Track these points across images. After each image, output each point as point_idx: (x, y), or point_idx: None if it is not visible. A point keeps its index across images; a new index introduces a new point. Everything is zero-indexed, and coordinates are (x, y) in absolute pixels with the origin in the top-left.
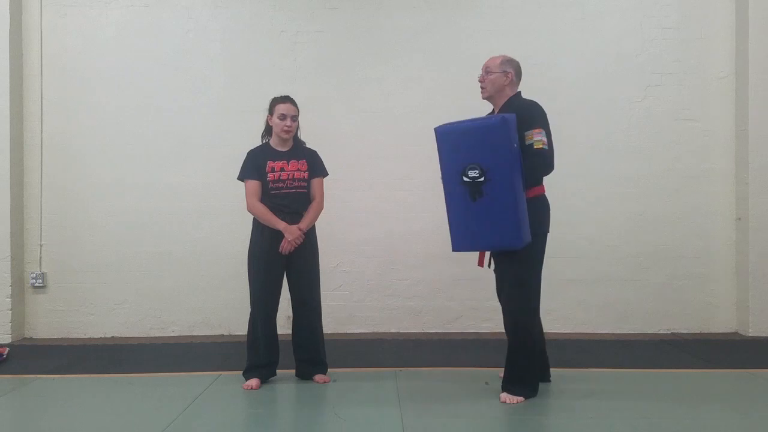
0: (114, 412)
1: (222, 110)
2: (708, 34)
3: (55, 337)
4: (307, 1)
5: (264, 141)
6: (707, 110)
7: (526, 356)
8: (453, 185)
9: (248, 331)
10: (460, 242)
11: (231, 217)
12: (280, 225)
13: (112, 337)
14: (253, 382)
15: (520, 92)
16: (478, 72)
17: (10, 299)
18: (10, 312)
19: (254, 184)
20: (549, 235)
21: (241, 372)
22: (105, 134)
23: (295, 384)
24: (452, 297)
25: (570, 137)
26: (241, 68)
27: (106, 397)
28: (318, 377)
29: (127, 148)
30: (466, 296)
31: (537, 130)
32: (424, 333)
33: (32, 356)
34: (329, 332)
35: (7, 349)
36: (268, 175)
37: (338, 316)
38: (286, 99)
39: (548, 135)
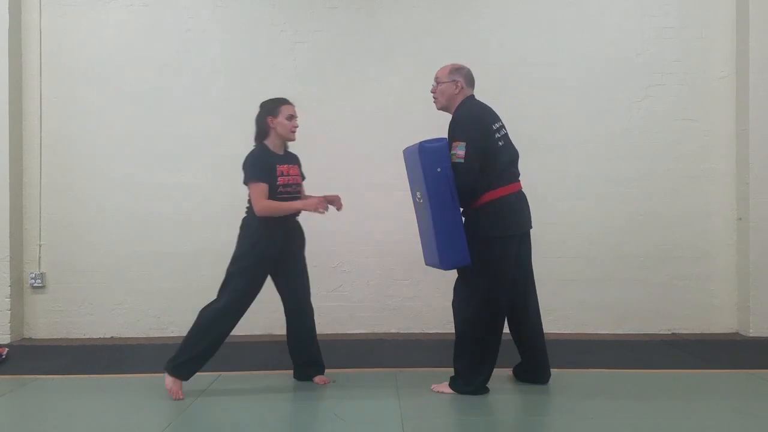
0: (114, 412)
1: (222, 110)
2: (708, 34)
3: (54, 337)
4: (306, 0)
5: (258, 143)
6: (707, 110)
7: (460, 354)
8: (414, 202)
9: (205, 323)
10: (424, 256)
11: (231, 217)
12: (298, 204)
13: (112, 337)
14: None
15: (470, 97)
16: (479, 72)
17: (9, 299)
18: (9, 312)
19: (265, 187)
20: (551, 235)
21: (178, 370)
22: (104, 134)
23: (295, 384)
24: (452, 297)
25: (570, 137)
26: (240, 68)
27: (106, 397)
28: (318, 378)
29: (126, 148)
30: None
31: (455, 143)
32: (424, 333)
33: (31, 357)
34: (329, 332)
35: (6, 349)
36: (279, 179)
37: (338, 316)
38: (289, 100)
39: (473, 147)
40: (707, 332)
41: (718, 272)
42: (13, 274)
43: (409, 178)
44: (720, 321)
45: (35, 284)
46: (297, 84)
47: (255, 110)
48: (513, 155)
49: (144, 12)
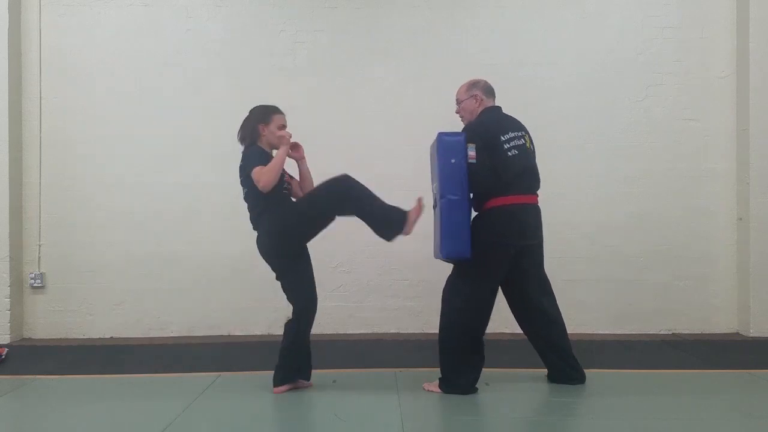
0: (113, 413)
1: (222, 109)
2: (709, 34)
3: (54, 337)
4: (306, 0)
5: (253, 144)
6: (708, 110)
7: (443, 353)
8: (433, 196)
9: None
10: (434, 249)
11: (231, 217)
12: (282, 151)
13: (111, 337)
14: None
15: (489, 107)
16: (479, 71)
17: (8, 299)
18: (9, 312)
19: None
20: (551, 235)
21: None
22: (104, 134)
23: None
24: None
25: (570, 137)
26: (240, 68)
27: (106, 398)
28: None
29: (126, 148)
30: None
31: (468, 144)
32: (424, 333)
33: (31, 357)
34: (330, 332)
35: (6, 349)
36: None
37: (338, 316)
38: (280, 109)
39: (482, 148)
40: (707, 332)
41: (718, 272)
42: (12, 274)
43: (431, 171)
44: (720, 321)
45: (35, 284)
46: (297, 84)
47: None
48: (525, 167)
49: (144, 12)
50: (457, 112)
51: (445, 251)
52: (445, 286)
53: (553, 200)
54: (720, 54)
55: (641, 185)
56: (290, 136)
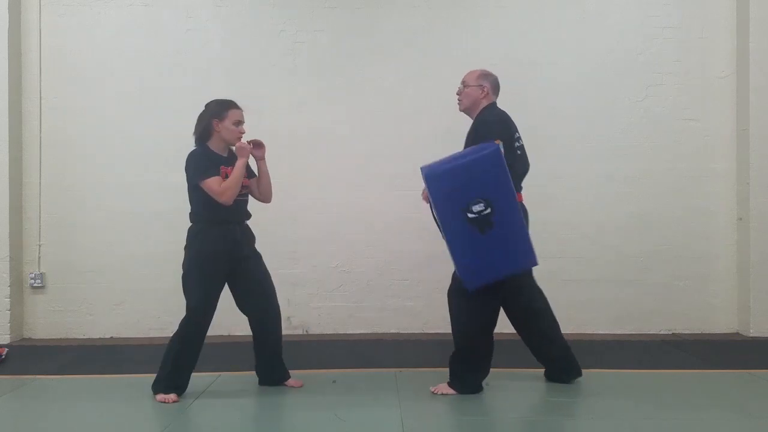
0: (114, 413)
1: None
2: (709, 34)
3: (54, 337)
4: (306, 0)
5: (199, 144)
6: (708, 110)
7: (460, 356)
8: (456, 224)
9: (182, 341)
10: (476, 278)
11: None
12: (240, 162)
13: (111, 337)
14: (173, 396)
15: (494, 103)
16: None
17: (8, 299)
18: (9, 312)
19: (219, 178)
20: (551, 235)
21: (156, 383)
22: (104, 134)
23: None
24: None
25: (570, 137)
26: (240, 68)
27: (105, 398)
28: (293, 381)
29: (126, 148)
30: None
31: (496, 141)
32: (424, 333)
33: (31, 357)
34: (330, 332)
35: (6, 349)
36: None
37: (338, 316)
38: (237, 104)
39: (505, 146)
40: (707, 332)
41: (718, 272)
42: (12, 274)
43: (442, 200)
44: (720, 321)
45: (35, 284)
46: (297, 84)
47: (254, 110)
48: (526, 167)
49: (144, 12)
50: (457, 94)
51: (530, 262)
52: (451, 294)
53: (553, 200)
54: (720, 54)
55: (641, 185)
56: (251, 147)
